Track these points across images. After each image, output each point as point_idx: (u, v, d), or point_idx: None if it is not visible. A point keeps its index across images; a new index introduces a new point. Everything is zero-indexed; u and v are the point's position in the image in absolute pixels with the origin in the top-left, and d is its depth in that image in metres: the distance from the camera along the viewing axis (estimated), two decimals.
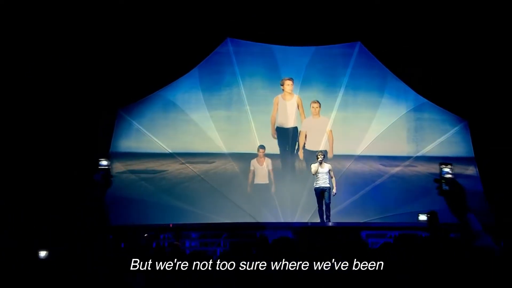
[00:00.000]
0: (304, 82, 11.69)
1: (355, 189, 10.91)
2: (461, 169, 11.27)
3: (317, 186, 9.99)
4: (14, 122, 9.97)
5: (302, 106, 11.58)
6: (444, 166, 2.66)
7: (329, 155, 11.23)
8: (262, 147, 11.36)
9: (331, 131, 11.48)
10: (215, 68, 11.57)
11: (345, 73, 11.71)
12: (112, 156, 10.99)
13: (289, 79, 11.52)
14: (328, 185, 9.93)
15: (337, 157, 11.42)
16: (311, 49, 11.74)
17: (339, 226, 9.37)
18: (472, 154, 11.32)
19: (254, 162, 11.33)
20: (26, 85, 10.12)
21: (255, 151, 11.37)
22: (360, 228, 9.01)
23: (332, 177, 10.03)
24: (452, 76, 11.05)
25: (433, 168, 11.23)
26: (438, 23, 10.85)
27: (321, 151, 10.42)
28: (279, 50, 11.70)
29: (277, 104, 11.57)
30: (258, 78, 11.74)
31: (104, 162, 3.11)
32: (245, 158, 11.38)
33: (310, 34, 11.40)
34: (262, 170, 11.32)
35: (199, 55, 11.37)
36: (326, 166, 10.04)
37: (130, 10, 10.52)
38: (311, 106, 11.48)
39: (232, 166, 11.31)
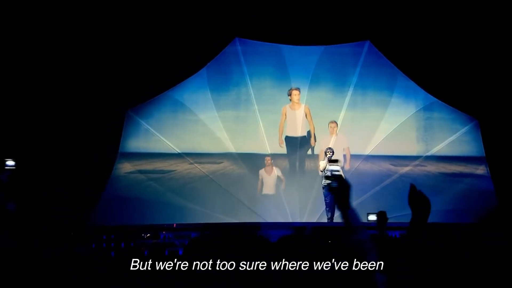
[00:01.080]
0: (312, 81, 11.63)
1: (364, 189, 10.79)
2: (471, 169, 11.17)
3: (325, 184, 9.92)
4: (26, 124, 10.08)
5: (310, 115, 11.45)
6: (332, 164, 2.72)
7: (346, 167, 11.11)
8: (269, 156, 11.25)
9: (348, 147, 11.39)
10: (223, 68, 11.56)
11: (354, 72, 11.64)
12: (121, 156, 11.06)
13: (295, 89, 11.38)
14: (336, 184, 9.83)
15: None
16: (320, 48, 11.67)
17: (339, 226, 9.27)
18: (482, 153, 11.19)
19: (262, 172, 11.15)
20: (35, 87, 10.23)
21: (264, 151, 11.32)
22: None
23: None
24: (462, 75, 10.95)
25: (443, 168, 11.17)
26: (448, 22, 10.76)
27: (329, 148, 10.29)
28: (287, 49, 11.64)
29: (285, 114, 11.48)
30: (267, 77, 11.70)
31: (10, 162, 2.98)
32: (253, 158, 11.32)
33: (318, 34, 11.35)
34: (270, 180, 11.12)
35: (207, 55, 11.36)
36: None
37: (138, 11, 10.57)
38: (329, 126, 11.33)
39: (240, 166, 11.29)
